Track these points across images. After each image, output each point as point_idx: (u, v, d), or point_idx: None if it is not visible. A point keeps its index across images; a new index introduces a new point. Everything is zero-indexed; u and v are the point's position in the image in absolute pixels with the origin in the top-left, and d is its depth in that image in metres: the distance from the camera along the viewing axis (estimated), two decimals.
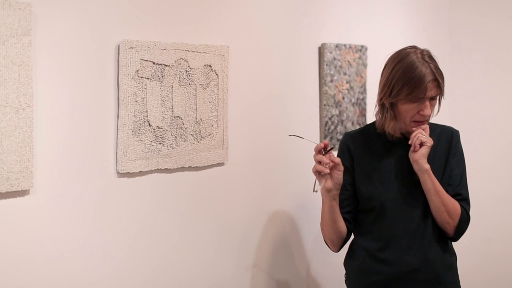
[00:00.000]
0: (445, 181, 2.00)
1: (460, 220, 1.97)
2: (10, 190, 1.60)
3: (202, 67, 2.09)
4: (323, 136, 2.67)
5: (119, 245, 1.91)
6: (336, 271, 2.46)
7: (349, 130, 2.70)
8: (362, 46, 2.84)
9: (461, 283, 2.09)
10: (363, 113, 2.87)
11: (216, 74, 2.14)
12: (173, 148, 2.02)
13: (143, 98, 1.92)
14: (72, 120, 1.76)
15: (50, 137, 1.71)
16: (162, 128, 1.98)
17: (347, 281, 2.15)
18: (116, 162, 1.87)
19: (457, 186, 2.01)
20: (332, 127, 2.70)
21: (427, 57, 1.92)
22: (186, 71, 2.04)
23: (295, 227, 2.59)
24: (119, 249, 1.91)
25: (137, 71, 1.89)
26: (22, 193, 1.65)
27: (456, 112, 3.51)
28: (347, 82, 2.76)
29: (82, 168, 1.79)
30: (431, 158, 1.96)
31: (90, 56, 1.80)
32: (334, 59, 2.69)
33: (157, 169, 1.99)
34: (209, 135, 2.14)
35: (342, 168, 1.90)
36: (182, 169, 2.08)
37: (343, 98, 2.75)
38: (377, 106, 2.03)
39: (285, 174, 2.51)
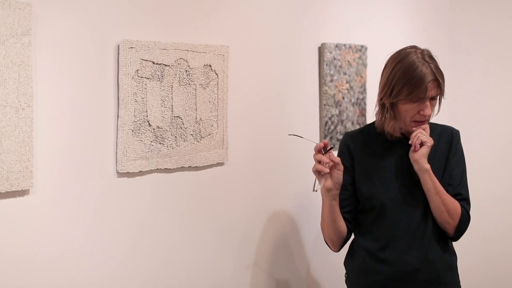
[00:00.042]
0: (445, 181, 2.00)
1: (460, 220, 1.97)
2: (10, 190, 1.60)
3: (202, 67, 2.09)
4: (323, 136, 2.67)
5: (119, 245, 1.91)
6: (336, 271, 2.46)
7: (349, 130, 2.71)
8: (362, 46, 2.84)
9: (461, 283, 2.09)
10: (363, 113, 2.87)
11: (216, 74, 2.14)
12: (173, 148, 2.02)
13: (143, 98, 1.91)
14: (72, 120, 1.76)
15: (50, 137, 1.71)
16: (162, 128, 1.98)
17: (347, 281, 2.15)
18: (116, 162, 1.87)
19: (457, 186, 2.01)
20: (332, 127, 2.70)
21: (428, 57, 1.92)
22: (186, 71, 2.04)
23: (295, 227, 2.59)
24: (119, 249, 1.91)
25: (137, 71, 1.89)
26: (22, 193, 1.65)
27: (456, 112, 3.51)
28: (347, 82, 2.76)
29: (82, 168, 1.79)
30: (431, 158, 1.96)
31: (90, 56, 1.80)
32: (334, 59, 2.69)
33: (157, 169, 1.98)
34: (209, 135, 2.14)
35: (342, 167, 1.90)
36: (182, 169, 2.08)
37: (343, 98, 2.75)
38: (377, 106, 2.03)
39: (285, 174, 2.51)
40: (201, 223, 2.17)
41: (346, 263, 2.14)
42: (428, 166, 1.93)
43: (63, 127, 1.74)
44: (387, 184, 2.01)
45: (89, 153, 1.81)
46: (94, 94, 1.82)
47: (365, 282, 2.05)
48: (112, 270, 1.89)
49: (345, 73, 2.75)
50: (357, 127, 2.79)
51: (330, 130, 2.69)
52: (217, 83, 2.15)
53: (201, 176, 2.15)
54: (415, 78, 1.87)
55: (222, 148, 2.19)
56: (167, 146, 2.00)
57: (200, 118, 2.10)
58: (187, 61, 2.04)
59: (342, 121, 2.75)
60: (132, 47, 1.86)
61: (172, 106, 2.00)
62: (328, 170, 1.88)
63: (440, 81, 1.91)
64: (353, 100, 2.81)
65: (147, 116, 1.93)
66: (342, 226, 2.02)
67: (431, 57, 1.93)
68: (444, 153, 2.03)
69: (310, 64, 2.63)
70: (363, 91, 2.86)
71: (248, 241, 2.37)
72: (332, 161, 1.88)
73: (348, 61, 2.76)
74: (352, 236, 2.13)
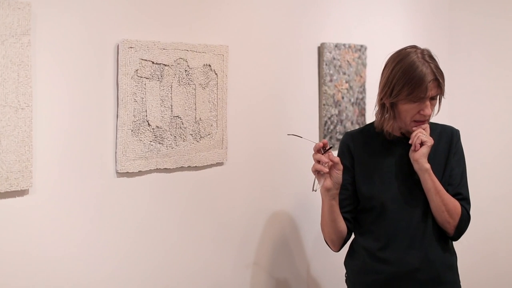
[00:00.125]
0: (446, 180, 2.00)
1: (460, 219, 1.97)
2: (9, 190, 1.60)
3: (202, 66, 2.09)
4: (323, 135, 2.67)
5: (119, 245, 1.91)
6: (336, 270, 2.46)
7: (349, 130, 2.71)
8: (362, 46, 2.84)
9: (461, 283, 2.09)
10: (362, 113, 2.87)
11: (216, 73, 2.14)
12: (172, 148, 2.02)
13: (143, 98, 1.91)
14: (71, 120, 1.76)
15: (49, 136, 1.71)
16: (162, 128, 1.98)
17: (347, 281, 2.15)
18: (115, 162, 1.87)
19: (457, 186, 2.01)
20: (332, 127, 2.70)
21: (428, 56, 1.92)
22: (186, 70, 2.04)
23: (295, 226, 2.59)
24: (119, 248, 1.91)
25: (137, 70, 1.89)
26: (21, 192, 1.65)
27: (456, 111, 3.51)
28: (346, 82, 2.76)
29: (82, 168, 1.79)
30: (432, 158, 1.96)
31: (89, 56, 1.80)
32: (334, 58, 2.69)
33: (157, 168, 1.98)
34: (209, 134, 2.14)
35: (341, 167, 1.90)
36: (182, 168, 2.08)
37: (343, 97, 2.75)
38: (377, 106, 2.02)
39: (285, 174, 2.51)
40: (201, 223, 2.17)
41: (346, 262, 2.14)
42: (428, 165, 1.93)
43: (62, 127, 1.74)
44: (387, 184, 2.01)
45: (89, 153, 1.81)
46: (94, 94, 1.82)
47: (365, 281, 2.05)
48: (111, 270, 1.89)
49: (344, 73, 2.75)
50: (357, 127, 2.79)
51: (329, 130, 2.69)
52: (217, 83, 2.15)
53: (201, 176, 2.15)
54: (415, 78, 1.87)
55: (222, 148, 2.19)
56: (167, 146, 2.00)
57: (200, 118, 2.10)
58: (186, 61, 2.04)
59: (341, 121, 2.75)
60: (131, 47, 1.86)
61: (171, 106, 2.00)
62: (327, 170, 1.88)
63: (440, 80, 1.91)
64: (352, 100, 2.80)
65: (146, 116, 1.93)
66: (342, 226, 2.02)
67: (431, 56, 1.93)
68: (444, 152, 2.03)
69: (310, 63, 2.63)
70: (363, 91, 2.86)
71: (248, 241, 2.37)
72: (331, 160, 1.88)
73: (348, 61, 2.76)
74: (352, 236, 2.13)
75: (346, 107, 2.77)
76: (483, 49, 3.54)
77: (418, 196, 1.98)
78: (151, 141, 1.95)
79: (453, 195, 1.98)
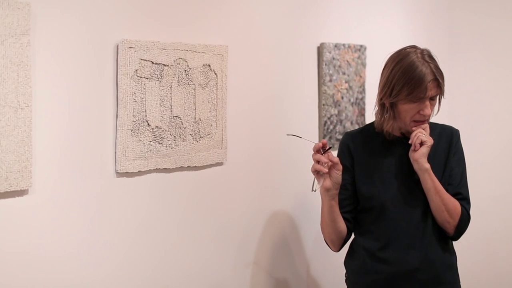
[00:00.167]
0: (445, 180, 2.00)
1: (460, 219, 1.97)
2: (9, 190, 1.60)
3: (201, 66, 2.09)
4: (322, 135, 2.67)
5: (118, 245, 1.91)
6: (336, 270, 2.46)
7: (349, 130, 2.70)
8: (361, 46, 2.84)
9: (461, 283, 2.09)
10: (362, 113, 2.87)
11: (215, 73, 2.14)
12: (172, 148, 2.02)
13: (142, 98, 1.91)
14: (71, 120, 1.76)
15: (49, 136, 1.71)
16: (161, 128, 1.98)
17: (347, 281, 2.15)
18: (115, 162, 1.87)
19: (457, 185, 2.01)
20: (331, 127, 2.70)
21: (427, 56, 1.92)
22: (185, 70, 2.04)
23: (295, 226, 2.58)
24: (118, 248, 1.91)
25: (136, 70, 1.89)
26: (21, 193, 1.65)
27: (455, 111, 3.51)
28: (346, 82, 2.76)
29: (81, 168, 1.79)
30: (431, 158, 1.96)
31: (89, 56, 1.80)
32: (333, 58, 2.69)
33: (156, 168, 1.98)
34: (208, 134, 2.14)
35: (340, 167, 1.90)
36: (181, 168, 2.08)
37: (342, 97, 2.75)
38: (377, 106, 2.03)
39: (285, 174, 2.51)
40: (201, 223, 2.17)
41: (346, 262, 2.14)
42: (428, 165, 1.93)
43: (62, 127, 1.74)
44: (387, 184, 2.01)
45: (88, 153, 1.81)
46: (93, 94, 1.82)
47: (365, 281, 2.05)
48: (111, 270, 1.89)
49: (344, 73, 2.75)
50: (356, 127, 2.79)
51: (329, 130, 2.69)
52: (216, 83, 2.15)
53: (200, 176, 2.15)
54: (415, 78, 1.87)
55: (221, 148, 2.19)
56: (166, 146, 2.00)
57: (199, 118, 2.10)
58: (186, 61, 2.04)
59: (341, 121, 2.75)
60: (131, 47, 1.86)
61: (171, 106, 2.00)
62: (326, 170, 1.88)
63: (440, 80, 1.91)
64: (352, 100, 2.80)
65: (146, 116, 1.93)
66: (342, 226, 2.02)
67: (431, 56, 1.93)
68: (444, 152, 2.03)
69: (309, 64, 2.63)
70: (362, 91, 2.86)
71: (248, 241, 2.37)
72: (330, 161, 1.87)
73: (347, 61, 2.76)
74: (352, 236, 2.13)
75: (345, 107, 2.77)
76: (482, 49, 3.54)
77: (418, 196, 1.98)
78: (150, 141, 1.95)
79: (453, 195, 1.98)
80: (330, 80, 2.68)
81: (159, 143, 1.97)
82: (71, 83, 1.76)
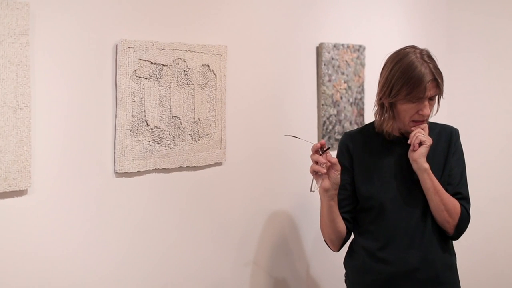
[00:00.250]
0: (445, 180, 2.00)
1: (460, 219, 1.97)
2: (8, 190, 1.60)
3: (200, 66, 2.09)
4: (321, 136, 2.67)
5: (117, 245, 1.91)
6: (336, 270, 2.46)
7: (348, 130, 2.71)
8: (360, 46, 2.84)
9: (460, 283, 2.09)
10: (361, 113, 2.87)
11: (214, 73, 2.14)
12: (171, 148, 2.02)
13: (141, 98, 1.91)
14: (70, 120, 1.76)
15: (48, 137, 1.71)
16: (160, 128, 1.98)
17: (347, 281, 2.15)
18: (114, 162, 1.87)
19: (456, 185, 2.01)
20: (330, 127, 2.70)
21: (426, 57, 1.92)
22: (184, 71, 2.04)
23: (294, 226, 2.58)
24: (117, 249, 1.91)
25: (135, 70, 1.89)
26: (20, 193, 1.65)
27: (455, 111, 3.51)
28: (345, 82, 2.76)
29: (80, 168, 1.79)
30: (431, 157, 1.96)
31: (88, 56, 1.80)
32: (332, 58, 2.69)
33: (155, 169, 1.98)
34: (207, 135, 2.14)
35: (339, 167, 1.90)
36: (180, 169, 2.08)
37: (341, 97, 2.75)
38: (376, 106, 2.03)
39: (284, 174, 2.51)
40: (200, 223, 2.17)
41: (346, 262, 2.14)
42: (427, 165, 1.93)
43: (61, 127, 1.74)
44: (386, 184, 2.01)
45: (87, 153, 1.81)
46: (92, 94, 1.82)
47: (364, 281, 2.05)
48: (110, 270, 1.89)
49: (343, 73, 2.75)
50: (355, 127, 2.79)
51: (328, 130, 2.69)
52: (215, 83, 2.15)
53: (199, 176, 2.15)
54: (414, 78, 1.87)
55: (220, 148, 2.19)
56: (165, 146, 2.00)
57: (198, 118, 2.10)
58: (185, 61, 2.04)
59: (340, 121, 2.75)
60: (130, 47, 1.86)
61: (170, 106, 2.00)
62: (325, 171, 1.88)
63: (439, 81, 1.91)
64: (351, 100, 2.81)
65: (145, 116, 1.93)
66: (341, 226, 2.02)
67: (430, 57, 1.93)
68: (443, 152, 2.03)
69: (308, 64, 2.63)
70: (361, 91, 2.86)
71: (247, 241, 2.37)
72: (329, 161, 1.87)
73: (346, 61, 2.76)
74: (352, 236, 2.13)
75: (344, 107, 2.77)
76: (481, 49, 3.54)
77: (417, 196, 1.98)
78: (149, 141, 1.95)
79: (453, 195, 1.98)
80: (329, 80, 2.68)
81: (158, 143, 1.97)
82: (70, 83, 1.76)
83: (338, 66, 2.72)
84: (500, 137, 3.50)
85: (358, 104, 2.85)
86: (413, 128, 1.95)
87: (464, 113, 3.56)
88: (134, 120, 1.90)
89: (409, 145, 1.95)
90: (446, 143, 2.04)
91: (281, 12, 2.47)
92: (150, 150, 1.95)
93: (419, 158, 1.92)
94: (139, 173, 1.95)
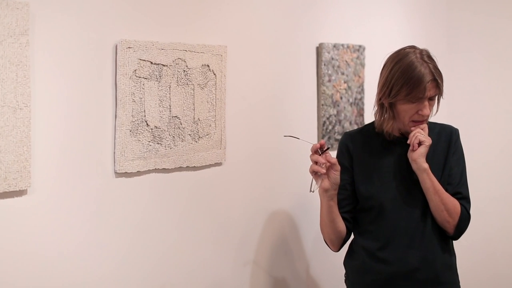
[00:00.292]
0: (445, 179, 2.00)
1: (460, 218, 1.97)
2: (7, 190, 1.60)
3: (200, 67, 2.09)
4: (321, 136, 2.67)
5: (117, 245, 1.91)
6: (335, 270, 2.46)
7: (347, 130, 2.71)
8: (360, 46, 2.84)
9: (460, 283, 2.09)
10: (361, 113, 2.87)
11: (214, 74, 2.14)
12: (171, 148, 2.02)
13: (141, 98, 1.92)
14: (69, 120, 1.76)
15: (47, 137, 1.71)
16: (160, 128, 1.98)
17: (346, 281, 2.15)
18: (114, 162, 1.87)
19: (456, 185, 2.01)
20: (330, 127, 2.70)
21: (426, 57, 1.92)
22: (184, 71, 2.04)
23: (294, 226, 2.59)
24: (117, 249, 1.91)
25: (135, 71, 1.89)
26: (20, 193, 1.65)
27: (454, 111, 3.51)
28: (345, 82, 2.77)
29: (80, 168, 1.79)
30: (430, 157, 1.96)
31: (87, 56, 1.80)
32: (332, 59, 2.69)
33: (155, 169, 1.98)
34: (207, 135, 2.14)
35: (339, 168, 1.90)
36: (180, 169, 2.08)
37: (341, 98, 2.75)
38: (376, 106, 2.03)
39: (284, 174, 2.51)
40: (199, 223, 2.17)
41: (346, 262, 2.14)
42: (426, 165, 1.93)
43: (61, 127, 1.74)
44: (386, 184, 2.01)
45: (87, 153, 1.81)
46: (92, 94, 1.82)
47: (364, 281, 2.05)
48: (110, 270, 1.89)
49: (343, 73, 2.75)
50: (355, 127, 2.79)
51: (328, 130, 2.70)
52: (215, 83, 2.15)
53: (199, 176, 2.15)
54: (414, 78, 1.87)
55: (220, 148, 2.19)
56: (165, 146, 2.00)
57: (198, 118, 2.10)
58: (185, 61, 2.04)
59: (340, 121, 2.75)
60: (130, 47, 1.87)
61: (170, 106, 2.00)
62: (324, 171, 1.88)
63: (439, 81, 1.91)
64: (351, 100, 2.81)
65: (145, 116, 1.93)
66: (341, 226, 2.02)
67: (429, 57, 1.94)
68: (443, 152, 2.03)
69: (308, 64, 2.63)
70: (361, 91, 2.86)
71: (247, 241, 2.37)
72: (328, 161, 1.87)
73: (346, 61, 2.76)
74: (352, 236, 2.13)
75: (344, 107, 2.77)
76: (481, 49, 3.54)
77: (417, 196, 1.98)
78: (149, 141, 1.95)
79: (453, 194, 1.98)
80: (329, 80, 2.68)
81: (158, 143, 1.97)
82: (70, 83, 1.76)
83: (338, 66, 2.72)
84: (500, 137, 3.50)
85: (358, 104, 2.85)
86: (412, 128, 1.95)
87: (464, 113, 3.56)
88: (134, 120, 1.90)
89: (409, 145, 1.95)
90: (446, 142, 2.04)
91: (281, 12, 2.47)
92: (150, 150, 1.95)
93: (418, 158, 1.92)
94: (139, 173, 1.95)
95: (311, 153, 1.89)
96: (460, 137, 2.08)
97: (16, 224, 1.65)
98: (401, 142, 2.01)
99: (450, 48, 3.62)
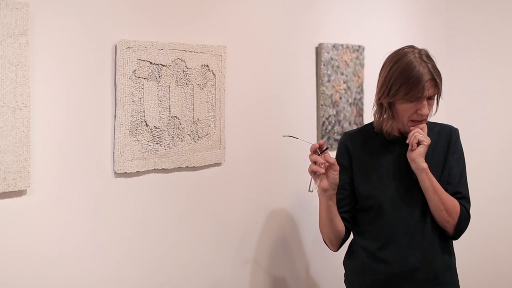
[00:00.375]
0: (444, 179, 2.00)
1: (459, 218, 1.97)
2: (7, 190, 1.60)
3: (199, 67, 2.09)
4: (320, 136, 2.67)
5: (117, 245, 1.91)
6: (335, 270, 2.46)
7: (347, 130, 2.71)
8: (359, 46, 2.85)
9: (460, 283, 2.09)
10: (360, 113, 2.87)
11: (213, 74, 2.14)
12: (170, 148, 2.02)
13: (140, 98, 1.92)
14: (69, 120, 1.76)
15: (47, 137, 1.71)
16: (159, 128, 1.98)
17: (346, 281, 2.15)
18: (113, 162, 1.88)
19: (456, 184, 2.01)
20: (329, 127, 2.71)
21: (425, 56, 1.92)
22: (183, 71, 2.04)
23: (293, 226, 2.59)
24: (117, 249, 1.91)
25: (134, 71, 1.89)
26: (19, 193, 1.65)
27: (453, 111, 3.51)
28: (344, 82, 2.77)
29: (79, 168, 1.80)
30: (430, 157, 1.96)
31: (87, 56, 1.80)
32: (331, 59, 2.69)
33: (154, 169, 1.99)
34: (206, 135, 2.14)
35: (337, 168, 1.90)
36: (180, 169, 2.08)
37: (340, 98, 2.75)
38: (375, 106, 2.03)
39: (283, 174, 2.51)
40: (199, 223, 2.17)
41: (345, 262, 2.14)
42: (425, 165, 1.93)
43: (60, 128, 1.74)
44: (385, 184, 2.01)
45: (87, 153, 1.81)
46: (92, 94, 1.82)
47: (364, 281, 2.05)
48: (110, 270, 1.89)
49: (342, 73, 2.75)
50: (355, 127, 2.80)
51: (327, 130, 2.70)
52: (215, 83, 2.15)
53: (199, 176, 2.15)
54: (413, 77, 1.88)
55: (220, 148, 2.19)
56: (165, 146, 2.00)
57: (198, 118, 2.10)
58: (184, 61, 2.04)
59: (339, 121, 2.76)
60: (129, 47, 1.87)
61: (169, 106, 2.01)
62: (323, 171, 1.88)
63: (438, 80, 1.91)
64: (350, 100, 2.81)
65: (144, 116, 1.93)
66: (340, 226, 2.02)
67: (428, 56, 1.94)
68: (443, 151, 2.03)
69: (308, 64, 2.63)
70: (361, 91, 2.87)
71: (246, 241, 2.37)
72: (327, 161, 1.87)
73: (346, 61, 2.77)
74: (352, 236, 2.13)
75: (344, 108, 2.77)
76: (480, 48, 3.54)
77: (416, 196, 1.98)
78: (149, 142, 1.95)
79: (452, 194, 1.98)
80: (328, 81, 2.69)
81: (157, 143, 1.98)
82: (70, 84, 1.76)
83: (338, 67, 2.72)
84: (500, 137, 3.50)
85: (357, 104, 2.85)
86: (411, 128, 1.95)
87: (463, 113, 3.56)
88: (133, 120, 1.90)
89: (408, 144, 1.95)
90: (446, 142, 2.04)
91: (281, 12, 2.47)
92: (150, 150, 1.95)
93: (417, 158, 1.92)
94: (138, 173, 1.95)
95: (310, 153, 1.89)
96: (460, 137, 2.08)
97: (16, 224, 1.65)
98: (401, 142, 2.01)
99: (449, 48, 3.62)
